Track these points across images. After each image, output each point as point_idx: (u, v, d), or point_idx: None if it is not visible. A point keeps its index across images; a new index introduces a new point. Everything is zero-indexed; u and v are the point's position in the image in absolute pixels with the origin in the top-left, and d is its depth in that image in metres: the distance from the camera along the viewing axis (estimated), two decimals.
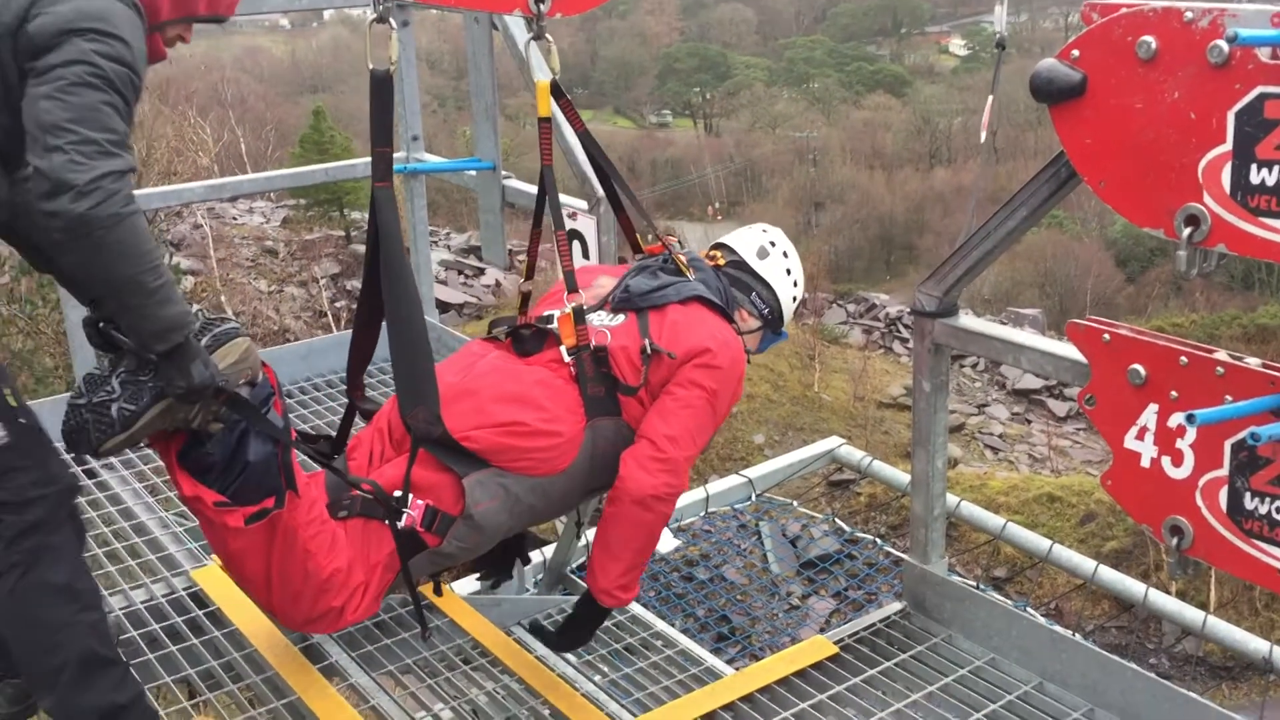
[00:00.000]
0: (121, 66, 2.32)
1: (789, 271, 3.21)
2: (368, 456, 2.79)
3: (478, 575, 3.43)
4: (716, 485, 6.15)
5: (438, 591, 3.07)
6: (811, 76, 69.40)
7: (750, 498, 6.18)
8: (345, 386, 3.08)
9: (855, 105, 65.32)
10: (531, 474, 2.75)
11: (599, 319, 2.97)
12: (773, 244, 3.23)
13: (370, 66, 2.63)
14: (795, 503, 6.41)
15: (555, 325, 2.91)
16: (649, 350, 2.86)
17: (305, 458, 2.64)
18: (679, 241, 3.24)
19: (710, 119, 70.16)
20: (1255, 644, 4.92)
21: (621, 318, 2.96)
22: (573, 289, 2.87)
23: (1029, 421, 28.27)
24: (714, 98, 70.53)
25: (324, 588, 2.56)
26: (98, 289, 2.35)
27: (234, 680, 3.07)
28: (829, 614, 17.05)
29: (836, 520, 6.63)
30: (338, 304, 28.80)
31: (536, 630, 3.25)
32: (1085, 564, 5.37)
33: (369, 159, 2.76)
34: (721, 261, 3.19)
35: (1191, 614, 5.01)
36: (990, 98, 5.67)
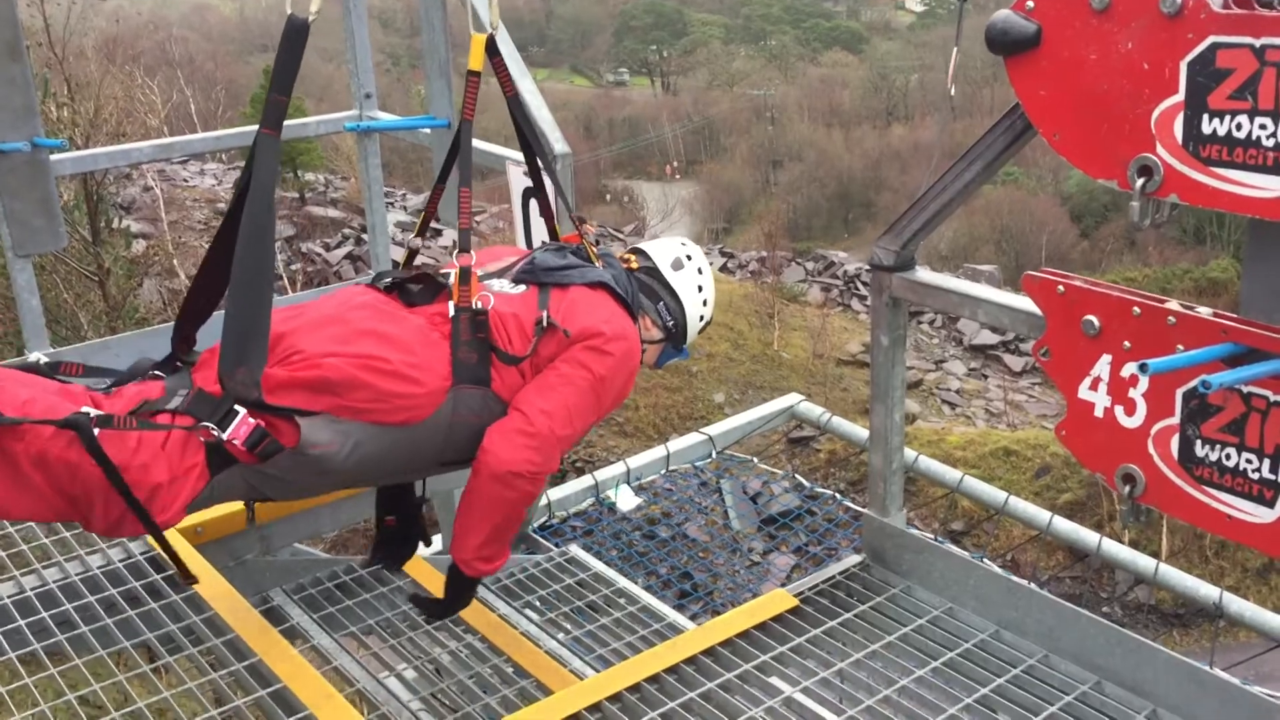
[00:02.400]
0: None
1: (700, 289, 3.16)
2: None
3: (372, 561, 3.30)
4: (677, 443, 6.17)
5: (251, 520, 2.93)
6: (769, 33, 69.18)
7: (711, 455, 6.21)
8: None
9: (812, 62, 65.28)
10: (378, 421, 2.59)
11: (498, 284, 2.87)
12: (689, 258, 3.18)
13: (289, 11, 2.57)
14: (756, 459, 6.46)
15: (450, 280, 2.79)
16: (544, 323, 2.76)
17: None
18: (595, 236, 3.18)
19: (668, 77, 69.86)
20: (1205, 590, 5.04)
21: (522, 288, 2.89)
22: (465, 249, 2.78)
23: (985, 377, 28.59)
24: (671, 56, 70.15)
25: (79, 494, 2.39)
26: None
27: (194, 644, 3.05)
28: (790, 569, 17.25)
29: (796, 476, 6.69)
30: (293, 266, 28.49)
31: (416, 601, 3.09)
32: (1040, 515, 5.45)
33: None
34: (635, 265, 3.13)
35: (1144, 562, 5.12)
36: (955, 50, 5.66)
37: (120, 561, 3.36)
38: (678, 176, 53.89)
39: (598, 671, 3.39)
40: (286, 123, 2.72)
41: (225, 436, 2.45)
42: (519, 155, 3.93)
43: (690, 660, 2.94)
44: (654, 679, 2.87)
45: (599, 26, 72.59)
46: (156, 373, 2.66)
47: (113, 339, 4.67)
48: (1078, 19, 2.31)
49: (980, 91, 50.39)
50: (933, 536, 6.39)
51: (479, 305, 2.73)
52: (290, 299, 4.82)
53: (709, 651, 2.97)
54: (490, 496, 2.70)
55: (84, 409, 2.37)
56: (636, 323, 2.98)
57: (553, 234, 3.33)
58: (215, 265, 2.68)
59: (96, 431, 2.33)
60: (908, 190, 42.08)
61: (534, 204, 3.94)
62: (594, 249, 3.06)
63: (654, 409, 24.53)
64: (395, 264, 3.28)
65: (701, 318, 3.19)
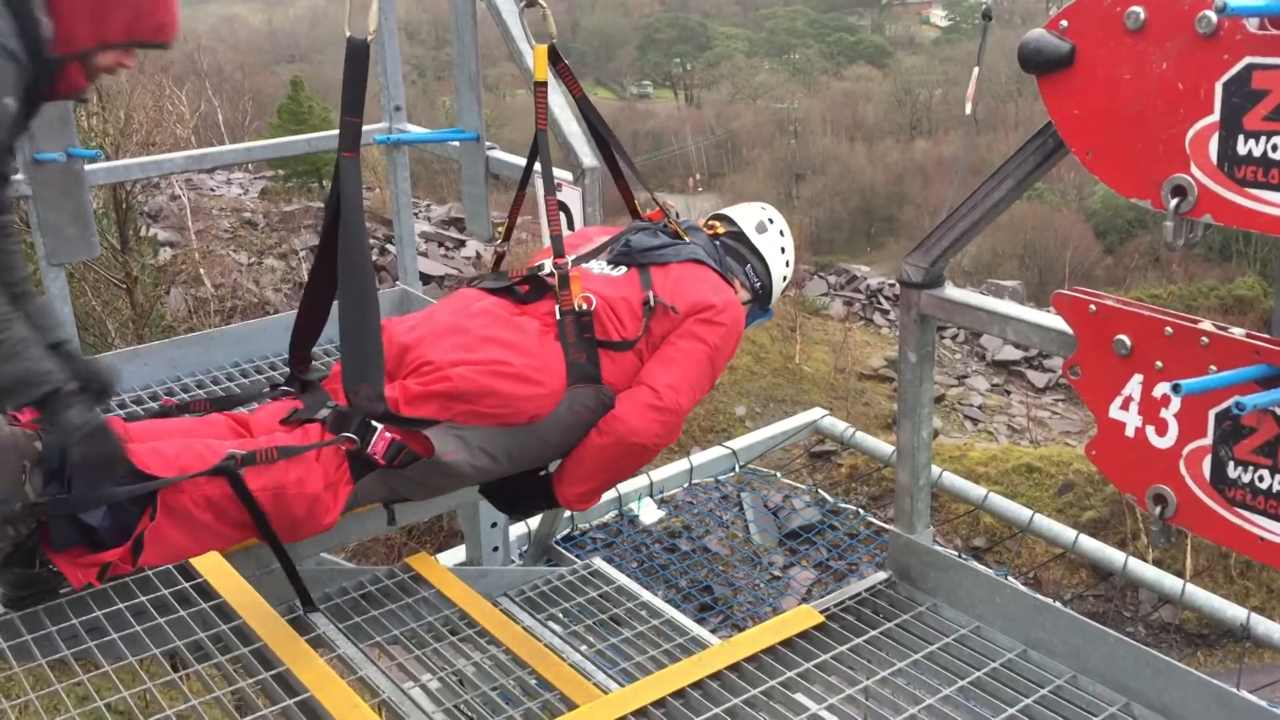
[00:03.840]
0: None
1: (783, 250, 3.28)
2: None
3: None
4: (700, 457, 6.18)
5: (391, 521, 3.06)
6: (792, 47, 69.25)
7: (734, 469, 6.21)
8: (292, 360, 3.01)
9: (836, 76, 65.27)
10: (501, 423, 2.72)
11: (598, 266, 2.99)
12: (771, 221, 3.31)
13: (348, 34, 2.62)
14: (779, 474, 6.45)
15: (552, 275, 2.89)
16: (653, 303, 2.88)
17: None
18: (675, 211, 3.26)
19: (691, 90, 69.98)
20: (1232, 610, 5.00)
21: (623, 270, 2.98)
22: (559, 253, 2.88)
23: (1008, 393, 28.44)
24: (694, 69, 70.28)
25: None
26: None
27: (222, 652, 3.06)
28: (810, 584, 17.18)
29: (819, 491, 6.67)
30: None
31: (485, 491, 3.16)
32: (1066, 533, 5.43)
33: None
34: (720, 230, 3.24)
35: (1171, 582, 5.08)
36: (975, 69, 5.67)
37: (150, 569, 3.38)
38: (700, 189, 53.93)
39: (622, 685, 3.39)
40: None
41: (367, 450, 2.63)
42: (564, 173, 3.96)
43: (715, 676, 2.93)
44: (679, 694, 2.87)
45: (623, 39, 72.82)
46: (286, 388, 2.87)
47: (143, 347, 4.72)
48: (1112, 38, 2.31)
49: (1004, 106, 50.30)
50: (958, 554, 6.36)
51: (583, 306, 2.82)
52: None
53: (734, 667, 2.96)
54: (611, 457, 2.86)
55: (230, 452, 2.54)
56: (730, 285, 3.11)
57: (633, 213, 3.38)
58: (317, 288, 2.88)
59: (242, 471, 2.53)
60: (930, 205, 42.01)
61: (562, 217, 3.97)
62: (676, 223, 3.13)
63: None
64: (422, 275, 3.36)
65: (785, 278, 3.32)
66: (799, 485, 6.79)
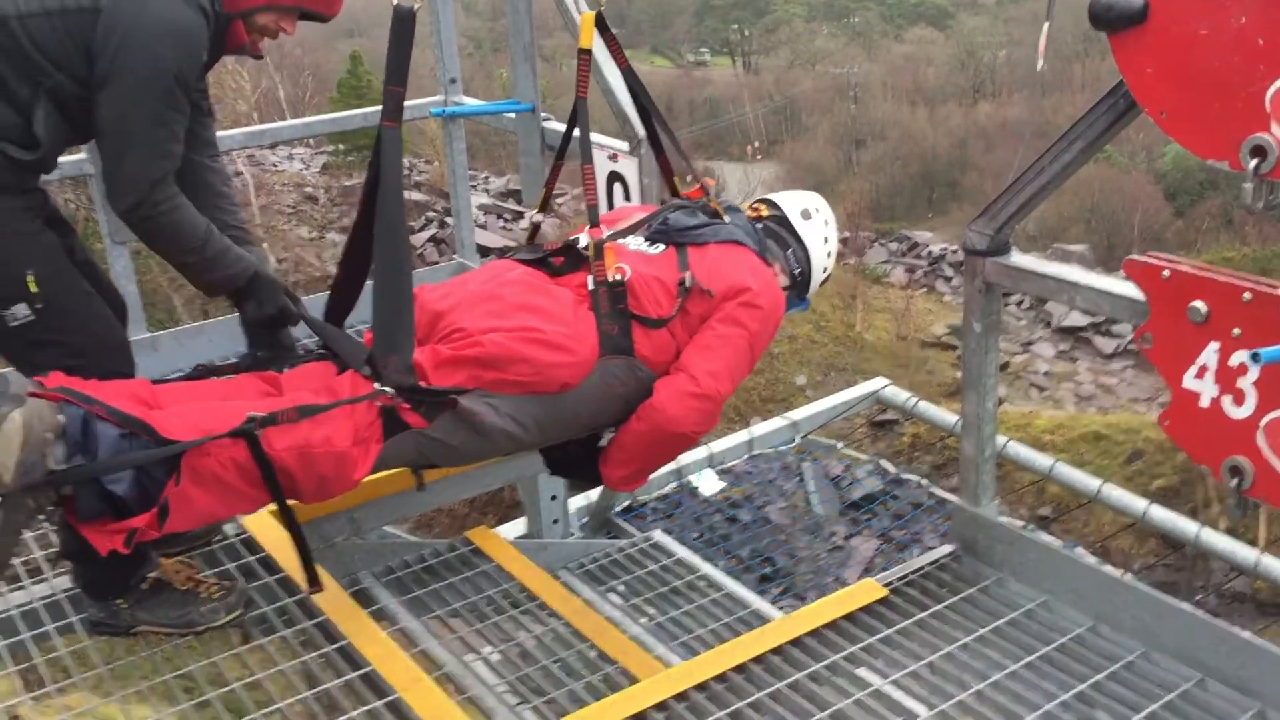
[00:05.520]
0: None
1: (826, 240, 3.22)
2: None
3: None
4: (761, 428, 6.15)
5: (420, 487, 3.05)
6: (851, 11, 68.21)
7: (794, 439, 6.17)
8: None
9: (896, 39, 64.20)
10: (531, 391, 2.69)
11: (635, 243, 2.95)
12: (817, 210, 3.26)
13: (394, 2, 2.60)
14: (840, 444, 6.39)
15: (587, 247, 2.86)
16: (688, 284, 2.83)
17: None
18: (718, 187, 3.20)
19: (749, 56, 69.24)
20: None
21: (660, 248, 2.94)
22: (594, 224, 2.84)
23: (1075, 359, 27.93)
24: (752, 35, 69.53)
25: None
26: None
27: (287, 625, 3.10)
28: (873, 554, 17.05)
29: (881, 462, 6.60)
30: None
31: (544, 453, 3.15)
32: (1136, 503, 5.32)
33: (407, 103, 2.74)
34: (764, 213, 3.18)
35: (1244, 553, 4.96)
36: (1046, 25, 5.49)
37: (216, 543, 3.42)
38: (759, 157, 53.42)
39: (683, 659, 3.38)
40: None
41: (395, 401, 2.59)
42: (603, 139, 3.93)
43: (777, 650, 2.90)
44: (740, 668, 2.84)
45: (680, 7, 72.15)
46: (323, 351, 2.85)
47: (207, 323, 4.77)
48: None
49: (1070, 67, 49.12)
50: (1023, 525, 6.27)
51: (616, 277, 2.79)
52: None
53: (796, 641, 2.94)
54: (651, 442, 2.84)
55: (250, 415, 2.51)
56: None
57: (673, 191, 3.33)
58: (354, 257, 2.85)
59: (261, 432, 2.50)
60: (994, 169, 41.22)
61: (618, 188, 3.93)
62: (716, 202, 3.08)
63: (736, 391, 24.38)
64: (480, 248, 3.32)
65: (825, 269, 3.25)
66: (861, 455, 6.71)
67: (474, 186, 30.98)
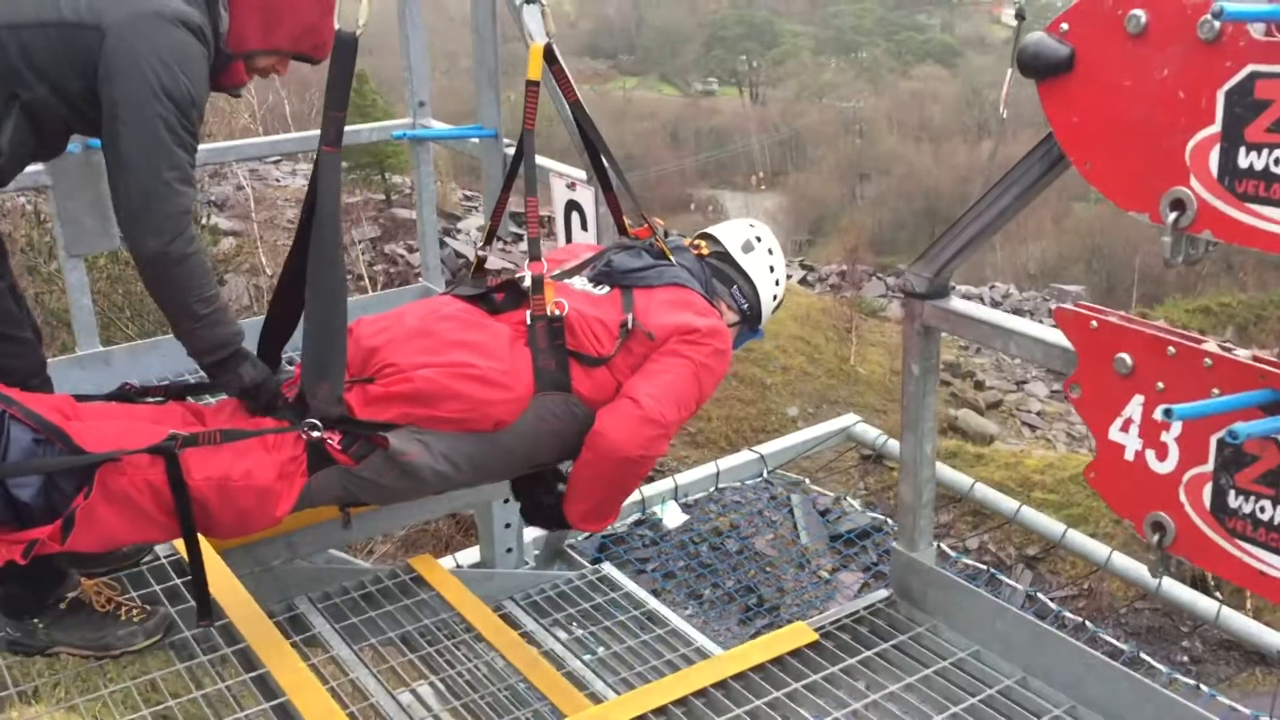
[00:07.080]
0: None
1: (772, 269, 3.15)
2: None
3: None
4: (727, 461, 6.09)
5: (346, 524, 3.00)
6: (860, 45, 68.60)
7: (761, 474, 6.12)
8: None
9: (903, 75, 64.53)
10: (464, 429, 2.65)
11: (580, 283, 2.92)
12: (758, 239, 3.16)
13: (336, 26, 2.58)
14: (807, 480, 6.34)
15: (528, 283, 2.82)
16: (630, 325, 2.79)
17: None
18: (664, 229, 3.16)
19: (756, 87, 69.60)
20: (1269, 636, 4.82)
21: (605, 289, 2.91)
22: (535, 257, 2.81)
23: (1068, 399, 27.92)
24: (760, 66, 69.90)
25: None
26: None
27: (207, 652, 3.05)
28: (859, 587, 16.95)
29: (849, 500, 6.55)
30: (375, 267, 28.86)
31: (516, 491, 3.11)
32: (1099, 550, 5.27)
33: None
34: (705, 251, 3.13)
35: (1205, 604, 4.91)
36: (1010, 71, 5.48)
37: (144, 565, 3.38)
38: (763, 187, 53.59)
39: (618, 694, 3.33)
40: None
41: (323, 434, 2.56)
42: (561, 167, 3.91)
43: (700, 693, 2.85)
44: (661, 711, 2.80)
45: (689, 36, 72.55)
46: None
47: (162, 339, 4.73)
48: (1113, 43, 2.19)
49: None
50: (985, 567, 6.21)
51: (555, 312, 2.75)
52: (366, 300, 4.85)
53: (721, 684, 2.89)
54: (600, 472, 2.76)
55: (171, 433, 2.47)
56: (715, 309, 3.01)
57: (621, 229, 3.30)
58: (290, 285, 2.78)
59: (182, 452, 2.46)
60: None
61: (575, 216, 3.91)
62: (663, 242, 3.05)
63: (727, 420, 24.33)
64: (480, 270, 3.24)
65: (775, 297, 3.19)
66: (828, 493, 6.66)
67: (475, 208, 31.09)
